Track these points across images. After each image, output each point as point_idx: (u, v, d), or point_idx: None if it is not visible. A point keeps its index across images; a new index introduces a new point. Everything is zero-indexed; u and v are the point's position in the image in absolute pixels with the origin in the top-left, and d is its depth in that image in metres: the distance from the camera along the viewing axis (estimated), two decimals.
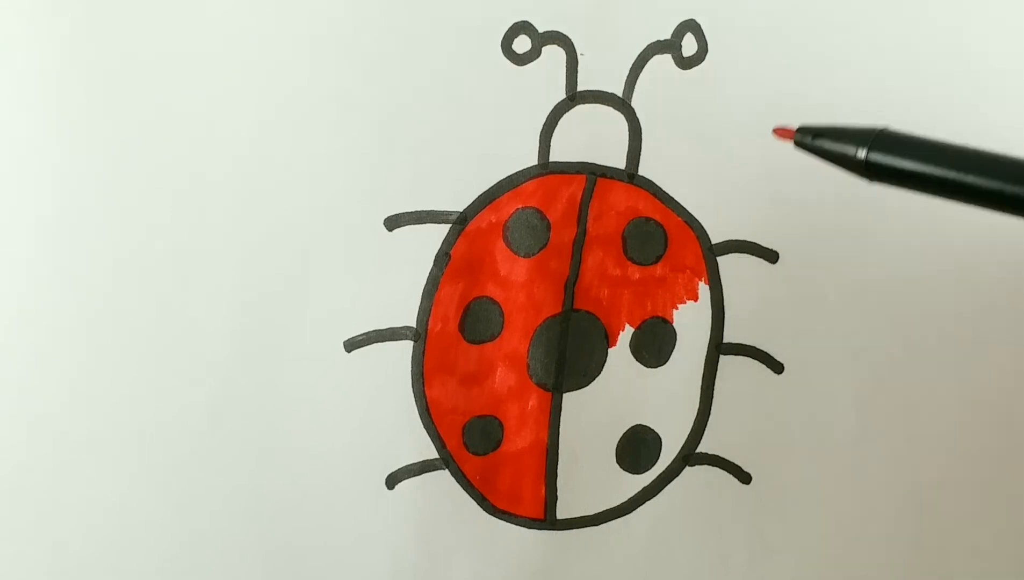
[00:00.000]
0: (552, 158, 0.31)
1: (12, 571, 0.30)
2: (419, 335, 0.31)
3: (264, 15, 0.30)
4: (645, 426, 0.32)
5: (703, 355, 0.32)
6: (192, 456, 0.30)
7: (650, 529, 0.32)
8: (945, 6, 0.32)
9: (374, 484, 0.31)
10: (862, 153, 0.25)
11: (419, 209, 0.31)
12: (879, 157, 0.25)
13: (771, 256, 0.32)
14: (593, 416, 0.32)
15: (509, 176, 0.31)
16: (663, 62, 0.31)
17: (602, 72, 0.31)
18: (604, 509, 0.32)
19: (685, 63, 0.31)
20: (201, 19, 0.29)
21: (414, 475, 0.31)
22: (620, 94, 0.31)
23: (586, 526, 0.32)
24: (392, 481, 0.31)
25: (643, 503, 0.32)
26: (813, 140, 0.26)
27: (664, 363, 0.32)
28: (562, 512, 0.32)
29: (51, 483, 0.30)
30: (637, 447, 0.32)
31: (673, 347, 0.32)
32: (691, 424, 0.32)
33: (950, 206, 0.32)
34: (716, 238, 0.32)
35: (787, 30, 0.32)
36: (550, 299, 0.31)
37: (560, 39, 0.31)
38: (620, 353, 0.32)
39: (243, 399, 0.30)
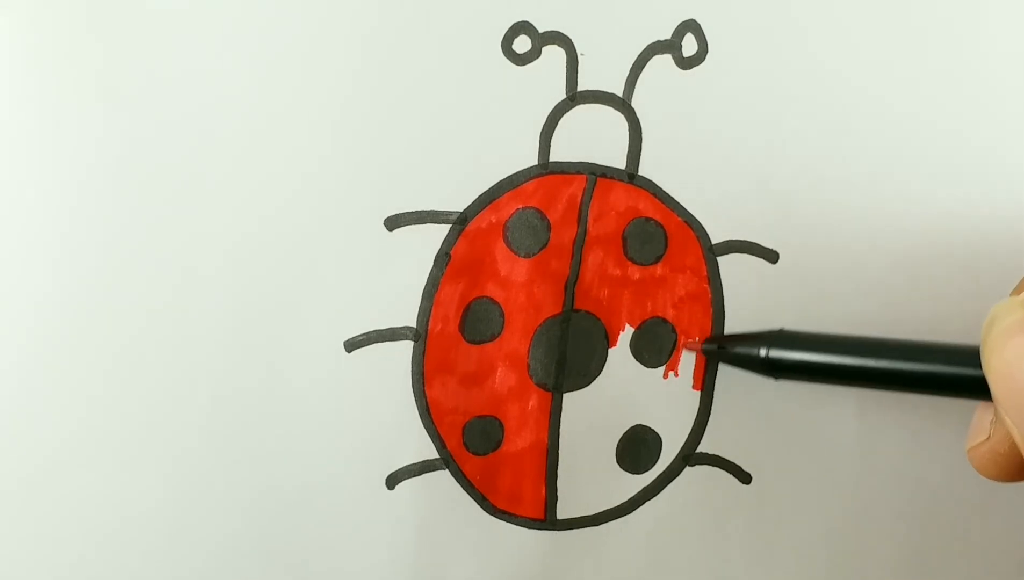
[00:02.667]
0: (552, 158, 0.31)
1: (12, 571, 0.30)
2: (419, 335, 0.31)
3: (263, 15, 0.30)
4: (645, 426, 0.32)
5: (703, 355, 0.32)
6: (191, 456, 0.30)
7: (650, 529, 0.32)
8: (946, 6, 0.32)
9: (374, 484, 0.31)
10: (763, 352, 0.28)
11: (419, 209, 0.31)
12: (779, 354, 0.28)
13: (771, 256, 0.32)
14: (593, 416, 0.32)
15: (509, 176, 0.31)
16: (663, 62, 0.31)
17: (602, 72, 0.31)
18: (604, 509, 0.32)
19: (685, 63, 0.31)
20: (201, 19, 0.29)
21: (414, 475, 0.31)
22: (620, 94, 0.31)
23: (586, 526, 0.32)
24: (392, 481, 0.31)
25: (643, 503, 0.32)
26: (719, 349, 0.29)
27: (664, 363, 0.32)
28: (562, 512, 0.32)
29: (51, 483, 0.30)
30: (637, 447, 0.32)
31: (673, 347, 0.32)
32: (691, 424, 0.32)
33: (950, 207, 0.33)
34: (716, 238, 0.32)
35: (787, 30, 0.32)
36: (550, 299, 0.31)
37: (560, 39, 0.31)
38: (620, 353, 0.32)
39: (243, 399, 0.30)
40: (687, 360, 0.32)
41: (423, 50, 0.30)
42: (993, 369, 0.21)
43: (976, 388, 0.23)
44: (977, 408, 0.25)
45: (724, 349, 0.29)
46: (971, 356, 0.23)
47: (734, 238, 0.32)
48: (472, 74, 0.31)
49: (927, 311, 0.32)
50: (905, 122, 0.32)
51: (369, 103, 0.30)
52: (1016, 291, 0.25)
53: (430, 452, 0.31)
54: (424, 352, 0.31)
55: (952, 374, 0.25)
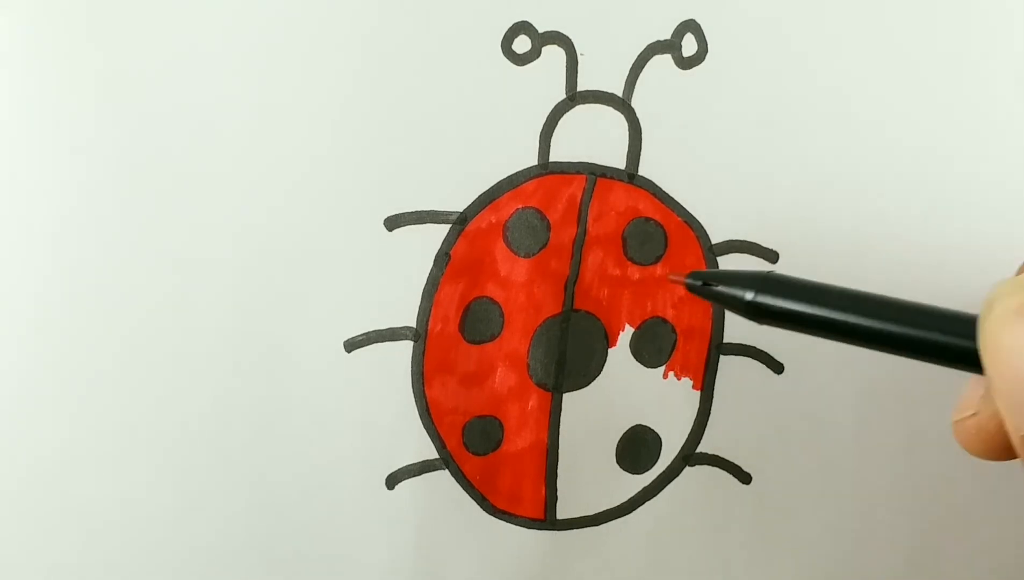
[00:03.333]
0: (552, 158, 0.31)
1: (12, 571, 0.30)
2: (419, 335, 0.31)
3: (263, 15, 0.30)
4: (645, 426, 0.32)
5: (703, 355, 0.32)
6: (192, 456, 0.30)
7: (650, 529, 0.32)
8: (946, 6, 0.32)
9: (374, 484, 0.31)
10: (749, 296, 0.26)
11: (419, 209, 0.31)
12: (765, 299, 0.26)
13: (771, 256, 0.32)
14: (593, 416, 0.32)
15: (509, 176, 0.31)
16: (663, 62, 0.31)
17: (602, 72, 0.31)
18: (604, 509, 0.32)
19: (685, 63, 0.31)
20: (200, 19, 0.29)
21: (414, 475, 0.31)
22: (620, 94, 0.31)
23: (586, 526, 0.32)
24: (392, 481, 0.31)
25: (643, 503, 0.32)
26: (703, 285, 0.27)
27: (664, 363, 0.32)
28: (562, 512, 0.32)
29: (52, 485, 0.30)
30: (637, 447, 0.32)
31: (673, 347, 0.32)
32: (691, 424, 0.32)
33: (950, 206, 0.33)
34: (716, 238, 0.32)
35: (787, 30, 0.32)
36: (550, 299, 0.31)
37: (560, 39, 0.31)
38: (620, 353, 0.32)
39: (243, 399, 0.30)
40: (687, 359, 0.32)
41: (423, 50, 0.30)
42: (990, 352, 0.21)
43: (969, 361, 0.22)
44: (969, 380, 0.25)
45: (708, 285, 0.28)
46: (968, 327, 0.22)
47: (734, 238, 0.32)
48: (472, 74, 0.31)
49: None
50: (905, 122, 0.32)
51: (369, 103, 0.30)
52: (1020, 271, 0.24)
53: (430, 452, 0.31)
54: (424, 352, 0.31)
55: (946, 343, 0.25)
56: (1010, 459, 0.22)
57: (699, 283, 0.27)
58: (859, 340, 0.26)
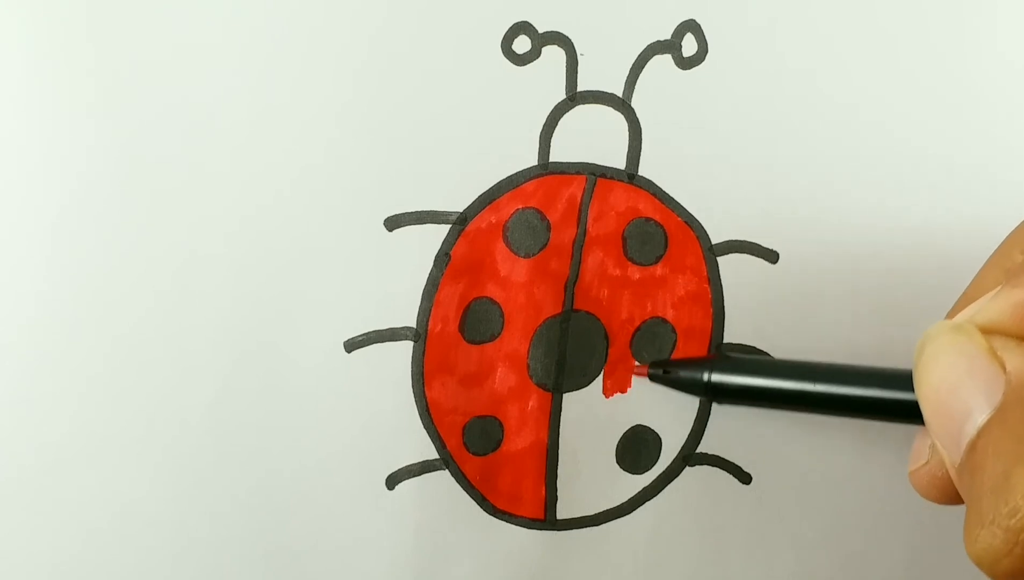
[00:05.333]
0: (552, 158, 0.31)
1: (12, 571, 0.30)
2: (419, 335, 0.31)
3: (263, 15, 0.30)
4: (645, 426, 0.32)
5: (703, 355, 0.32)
6: (191, 456, 0.30)
7: (650, 529, 0.32)
8: (946, 6, 0.32)
9: (374, 484, 0.31)
10: (707, 377, 0.29)
11: (419, 209, 0.31)
12: (721, 378, 0.28)
13: (771, 256, 0.32)
14: (593, 416, 0.32)
15: (509, 176, 0.31)
16: (663, 62, 0.31)
17: (602, 72, 0.31)
18: (604, 509, 0.32)
19: (685, 63, 0.31)
20: (199, 18, 0.29)
21: (414, 475, 0.31)
22: (620, 94, 0.31)
23: (586, 526, 0.32)
24: (392, 481, 0.31)
25: (643, 503, 0.32)
26: (664, 373, 0.30)
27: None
28: (562, 512, 0.32)
29: (51, 484, 0.30)
30: (637, 447, 0.32)
31: (673, 347, 0.32)
32: (691, 424, 0.32)
33: (950, 205, 0.33)
34: (716, 238, 0.32)
35: (787, 30, 0.32)
36: (550, 299, 0.31)
37: (560, 39, 0.31)
38: (620, 353, 0.32)
39: (243, 399, 0.30)
40: None
41: (423, 50, 0.30)
42: (922, 394, 0.21)
43: (913, 413, 0.23)
44: (917, 432, 0.25)
45: (668, 373, 0.30)
46: (907, 381, 0.23)
47: (734, 238, 0.32)
48: (472, 74, 0.30)
49: (927, 311, 0.32)
50: (905, 121, 0.32)
51: (369, 103, 0.30)
52: (950, 314, 0.25)
53: (430, 452, 0.31)
54: (424, 352, 0.31)
55: (889, 399, 0.26)
56: (963, 503, 0.22)
57: (660, 371, 0.30)
58: (813, 407, 0.27)
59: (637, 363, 0.31)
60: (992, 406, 0.20)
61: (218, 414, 0.30)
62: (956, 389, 0.20)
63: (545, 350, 0.31)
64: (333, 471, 0.31)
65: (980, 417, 0.20)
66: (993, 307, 0.21)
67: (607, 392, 0.32)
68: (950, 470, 0.21)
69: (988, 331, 0.21)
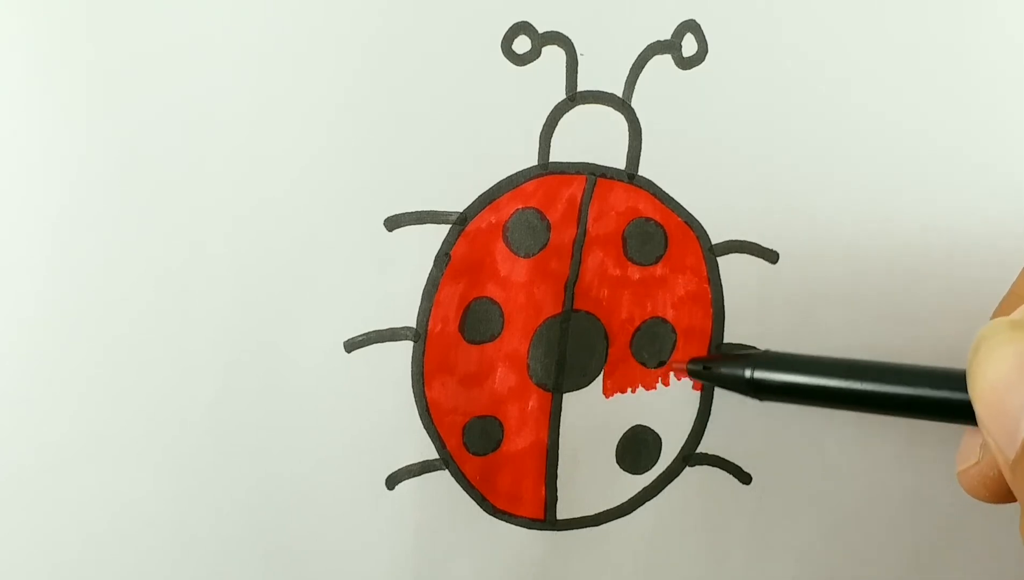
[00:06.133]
0: (552, 158, 0.31)
1: (12, 571, 0.30)
2: (419, 335, 0.31)
3: (263, 14, 0.30)
4: (645, 426, 0.32)
5: (703, 356, 0.32)
6: (191, 456, 0.30)
7: (650, 529, 0.32)
8: (947, 5, 0.32)
9: (374, 484, 0.31)
10: (748, 373, 0.28)
11: (419, 209, 0.31)
12: (763, 375, 0.28)
13: (771, 256, 0.32)
14: (593, 416, 0.32)
15: (509, 176, 0.31)
16: (663, 62, 0.31)
17: (602, 72, 0.31)
18: (604, 509, 0.32)
19: (685, 63, 0.31)
20: (198, 18, 0.29)
21: (414, 475, 0.31)
22: (620, 94, 0.31)
23: (586, 526, 0.32)
24: (392, 482, 0.31)
25: (643, 503, 0.32)
26: (704, 369, 0.30)
27: (664, 363, 0.32)
28: (562, 512, 0.32)
29: (51, 484, 0.30)
30: (637, 447, 0.32)
31: (673, 347, 0.32)
32: (691, 424, 0.32)
33: (950, 205, 0.33)
34: (716, 238, 0.32)
35: (787, 30, 0.32)
36: (550, 299, 0.31)
37: (560, 39, 0.31)
38: (620, 353, 0.32)
39: (243, 399, 0.30)
40: (688, 359, 0.32)
41: (423, 50, 0.30)
42: (977, 392, 0.21)
43: (963, 412, 0.23)
44: (966, 432, 0.25)
45: (709, 369, 0.29)
46: (958, 380, 0.23)
47: (734, 238, 0.32)
48: (472, 74, 0.30)
49: (927, 311, 0.32)
50: (905, 122, 0.32)
51: (369, 103, 0.30)
52: (997, 312, 0.25)
53: (430, 452, 0.31)
54: (424, 352, 0.31)
55: (939, 398, 0.25)
56: (1015, 501, 0.22)
57: (700, 367, 0.29)
58: (857, 405, 0.27)
59: (673, 364, 0.31)
60: None
61: (218, 414, 0.30)
62: (1012, 386, 0.20)
63: (545, 350, 0.31)
64: (333, 471, 0.31)
65: None
66: None
67: (607, 392, 0.32)
68: (1003, 468, 0.21)
69: None
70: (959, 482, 0.24)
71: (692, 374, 0.30)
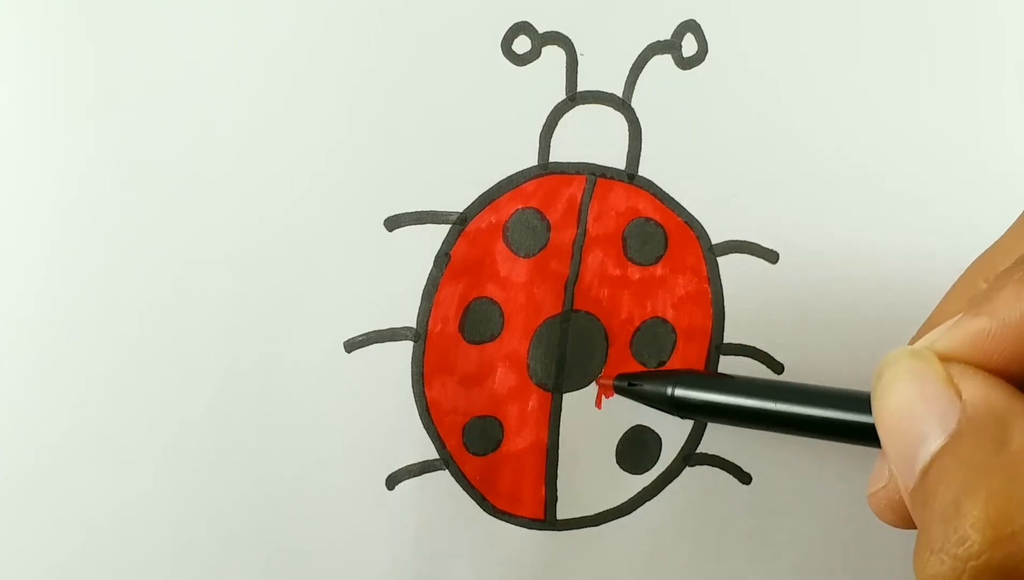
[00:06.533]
0: (552, 158, 0.31)
1: (12, 571, 0.30)
2: (419, 335, 0.31)
3: (263, 15, 0.30)
4: (645, 426, 0.32)
5: (703, 356, 0.32)
6: (191, 456, 0.30)
7: (650, 529, 0.32)
8: (947, 6, 0.32)
9: (374, 485, 0.31)
10: (670, 391, 0.29)
11: (419, 209, 0.31)
12: (683, 392, 0.29)
13: (771, 256, 0.32)
14: (593, 416, 0.32)
15: (509, 176, 0.31)
16: (663, 62, 0.31)
17: (602, 72, 0.31)
18: (604, 509, 0.32)
19: (685, 63, 0.31)
20: (200, 19, 0.29)
21: (414, 475, 0.31)
22: (620, 94, 0.31)
23: (586, 526, 0.32)
24: (392, 482, 0.31)
25: (643, 503, 0.32)
26: (629, 386, 0.30)
27: (664, 363, 0.32)
28: (562, 512, 0.32)
29: (50, 484, 0.30)
30: (637, 447, 0.32)
31: (673, 347, 0.32)
32: (691, 424, 0.32)
33: (950, 205, 0.33)
34: (716, 238, 0.32)
35: (787, 30, 0.32)
36: (550, 299, 0.31)
37: (560, 39, 0.31)
38: (620, 353, 0.32)
39: (242, 400, 0.30)
40: (687, 360, 0.32)
41: (423, 50, 0.30)
42: (879, 417, 0.22)
43: (871, 435, 0.23)
44: (879, 454, 0.26)
45: (634, 386, 0.30)
46: (867, 403, 0.23)
47: (734, 238, 0.32)
48: (472, 74, 0.30)
49: (927, 311, 0.32)
50: (906, 121, 0.32)
51: (369, 103, 0.30)
52: (913, 340, 0.25)
53: (430, 452, 0.31)
54: (424, 352, 0.31)
55: (850, 422, 0.26)
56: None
57: (625, 384, 0.30)
58: (772, 425, 0.28)
59: (600, 380, 0.31)
60: (946, 433, 0.20)
61: (218, 414, 0.30)
62: (911, 415, 0.21)
63: (545, 350, 0.31)
64: (333, 471, 0.31)
65: (934, 444, 0.20)
66: (953, 335, 0.21)
67: (607, 392, 0.32)
68: (904, 495, 0.21)
69: (947, 358, 0.21)
70: (869, 505, 0.24)
71: (618, 391, 0.31)
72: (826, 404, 0.26)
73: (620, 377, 0.31)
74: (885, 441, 0.22)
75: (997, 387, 0.20)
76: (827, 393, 0.27)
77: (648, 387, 0.30)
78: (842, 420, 0.26)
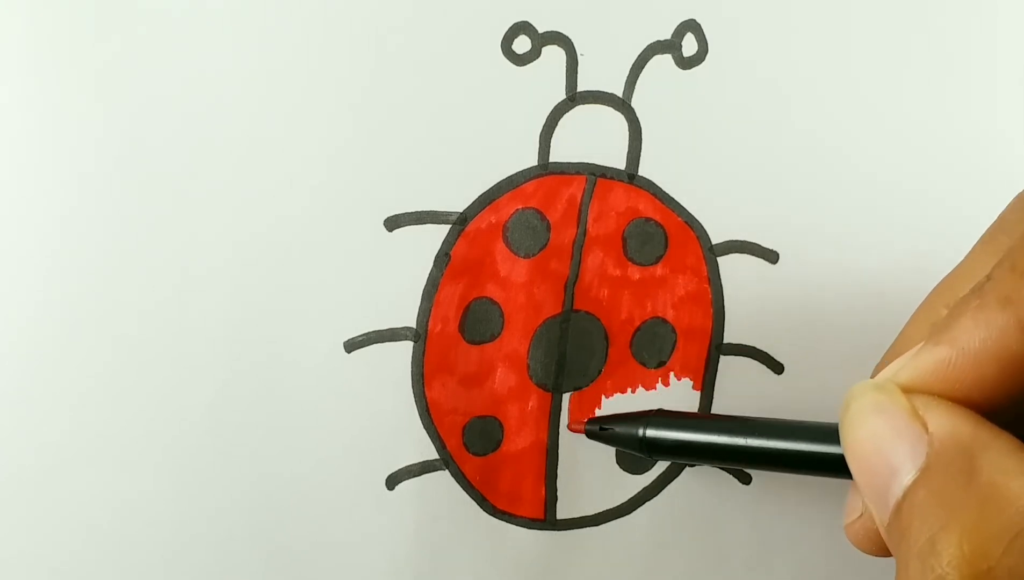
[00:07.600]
0: (552, 158, 0.31)
1: (12, 571, 0.30)
2: (419, 336, 0.31)
3: (264, 15, 0.30)
4: None
5: (703, 356, 0.32)
6: (191, 457, 0.30)
7: (650, 529, 0.32)
8: (948, 6, 0.32)
9: (374, 485, 0.31)
10: (641, 432, 0.29)
11: (419, 209, 0.31)
12: (655, 433, 0.29)
13: (771, 256, 0.32)
14: (593, 416, 0.32)
15: (509, 176, 0.31)
16: (663, 62, 0.31)
17: (602, 72, 0.31)
18: (604, 509, 0.32)
19: (685, 63, 0.31)
20: (202, 21, 0.29)
21: (414, 476, 0.31)
22: (620, 94, 0.31)
23: (586, 526, 0.32)
24: (392, 482, 0.31)
25: (643, 503, 0.32)
26: (601, 430, 0.31)
27: (664, 363, 0.32)
28: (562, 512, 0.32)
29: (51, 484, 0.30)
30: None
31: (673, 347, 0.32)
32: None
33: (950, 206, 0.33)
34: (716, 238, 0.32)
35: (787, 30, 0.32)
36: (550, 300, 0.31)
37: (560, 39, 0.31)
38: (620, 353, 0.32)
39: (243, 400, 0.30)
40: (687, 360, 0.32)
41: (423, 50, 0.30)
42: (848, 450, 0.22)
43: (843, 467, 0.23)
44: (851, 486, 0.26)
45: (606, 430, 0.30)
46: (837, 436, 0.23)
47: (734, 238, 0.32)
48: (472, 74, 0.30)
49: None
50: (906, 121, 0.32)
51: (369, 104, 0.30)
52: (877, 368, 0.25)
53: (430, 452, 0.31)
54: (424, 352, 0.31)
55: (820, 454, 0.26)
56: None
57: (597, 428, 0.31)
58: (746, 462, 0.28)
59: (571, 424, 0.31)
60: (916, 467, 0.20)
61: (218, 414, 0.30)
62: (880, 450, 0.21)
63: (545, 350, 0.31)
64: (333, 471, 0.31)
65: (905, 478, 0.20)
66: (915, 365, 0.21)
67: (607, 392, 0.32)
68: (880, 528, 0.21)
69: (910, 390, 0.21)
70: (846, 536, 0.24)
71: (589, 435, 0.31)
72: (800, 438, 0.27)
73: (591, 421, 0.31)
74: (857, 477, 0.22)
75: (962, 417, 0.20)
76: (803, 427, 0.27)
77: (619, 430, 0.30)
78: (815, 453, 0.26)
